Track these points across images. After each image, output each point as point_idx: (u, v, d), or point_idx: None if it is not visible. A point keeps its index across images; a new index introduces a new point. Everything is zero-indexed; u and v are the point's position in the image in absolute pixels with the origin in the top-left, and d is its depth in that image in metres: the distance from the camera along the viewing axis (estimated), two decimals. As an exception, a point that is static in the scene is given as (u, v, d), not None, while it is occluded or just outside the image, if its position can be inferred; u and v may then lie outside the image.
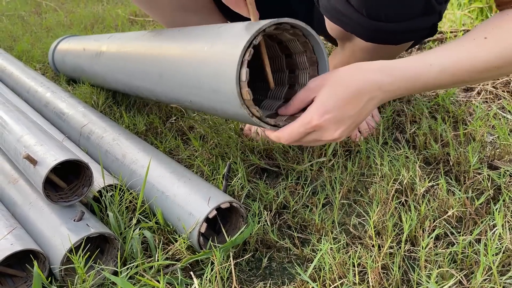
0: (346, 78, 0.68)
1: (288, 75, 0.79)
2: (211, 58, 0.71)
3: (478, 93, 1.18)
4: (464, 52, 0.70)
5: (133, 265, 0.74)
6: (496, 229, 0.72)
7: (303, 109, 0.70)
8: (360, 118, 0.70)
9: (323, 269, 0.72)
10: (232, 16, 1.13)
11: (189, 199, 0.80)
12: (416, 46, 1.45)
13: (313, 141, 0.70)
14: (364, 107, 0.69)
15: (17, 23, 2.36)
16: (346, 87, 0.67)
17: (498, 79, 1.21)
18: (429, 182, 0.86)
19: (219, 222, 0.80)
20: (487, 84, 1.19)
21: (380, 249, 0.74)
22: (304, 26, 0.69)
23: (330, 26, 0.91)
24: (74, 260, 0.68)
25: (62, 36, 1.65)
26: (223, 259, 0.75)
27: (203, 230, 0.76)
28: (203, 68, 0.73)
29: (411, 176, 0.87)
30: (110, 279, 0.72)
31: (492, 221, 0.77)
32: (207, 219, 0.76)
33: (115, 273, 0.76)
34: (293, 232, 0.83)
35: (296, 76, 0.77)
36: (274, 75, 0.79)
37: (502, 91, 1.17)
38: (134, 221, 0.79)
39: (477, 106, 1.09)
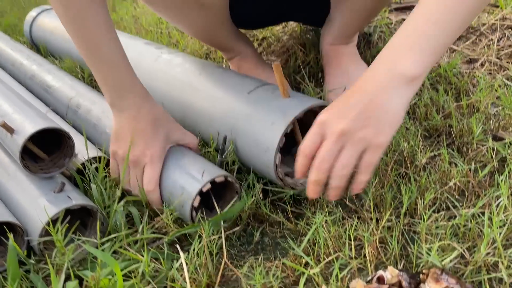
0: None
1: None
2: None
3: (482, 65, 1.13)
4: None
5: (117, 239, 0.70)
6: (501, 201, 0.68)
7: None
8: (374, 111, 0.61)
9: (318, 243, 0.68)
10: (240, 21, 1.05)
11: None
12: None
13: (329, 151, 0.63)
14: (380, 97, 0.61)
15: (6, -2, 2.30)
16: (352, 88, 0.64)
17: (503, 50, 1.16)
18: (430, 153, 0.82)
19: (212, 198, 0.76)
20: (491, 56, 1.14)
21: (378, 223, 0.71)
22: None
23: None
24: (52, 232, 0.64)
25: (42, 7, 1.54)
26: (213, 234, 0.71)
27: (196, 204, 0.72)
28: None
29: (411, 146, 0.83)
30: (92, 254, 0.68)
31: (497, 192, 0.73)
32: (200, 193, 0.72)
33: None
34: (287, 206, 0.79)
35: None
36: None
37: (507, 62, 1.12)
38: (118, 193, 0.75)
39: (480, 77, 1.04)
